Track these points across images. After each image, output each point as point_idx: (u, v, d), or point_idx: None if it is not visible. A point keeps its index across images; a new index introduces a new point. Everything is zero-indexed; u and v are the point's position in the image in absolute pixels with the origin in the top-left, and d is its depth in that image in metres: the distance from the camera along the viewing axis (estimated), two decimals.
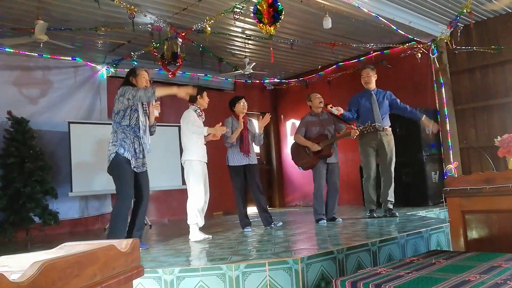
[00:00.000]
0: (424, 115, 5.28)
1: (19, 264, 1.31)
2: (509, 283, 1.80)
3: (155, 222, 7.05)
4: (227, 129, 4.58)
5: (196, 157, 4.38)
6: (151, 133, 4.12)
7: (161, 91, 3.79)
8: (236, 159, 4.90)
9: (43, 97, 6.56)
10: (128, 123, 3.83)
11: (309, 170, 5.30)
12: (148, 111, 4.02)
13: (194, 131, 4.42)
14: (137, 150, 3.83)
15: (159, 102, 4.06)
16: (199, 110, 4.53)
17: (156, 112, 4.06)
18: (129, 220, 3.91)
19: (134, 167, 3.81)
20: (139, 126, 3.85)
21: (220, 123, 4.55)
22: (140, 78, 3.98)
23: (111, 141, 3.83)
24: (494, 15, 6.48)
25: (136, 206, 3.95)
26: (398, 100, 5.35)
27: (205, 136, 4.52)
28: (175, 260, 3.13)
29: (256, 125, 5.14)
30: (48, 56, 6.51)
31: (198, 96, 4.54)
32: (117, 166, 3.77)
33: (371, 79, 5.32)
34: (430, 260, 2.38)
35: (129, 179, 3.78)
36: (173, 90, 3.87)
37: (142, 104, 3.93)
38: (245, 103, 5.07)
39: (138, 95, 3.74)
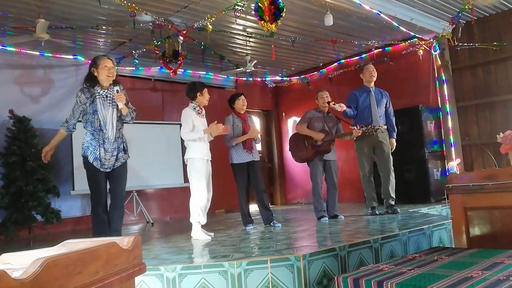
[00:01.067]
0: (395, 139, 5.38)
1: (22, 261, 1.31)
2: None
3: (157, 220, 7.06)
4: (223, 126, 4.47)
5: (198, 155, 4.34)
6: (127, 122, 3.86)
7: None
8: (240, 156, 4.88)
9: (45, 95, 6.56)
10: (93, 127, 3.67)
11: (305, 165, 5.31)
12: (113, 102, 3.74)
13: (188, 138, 4.36)
14: (108, 150, 3.66)
15: (121, 93, 3.67)
16: (198, 108, 4.47)
17: (120, 104, 3.66)
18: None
19: (106, 168, 3.69)
20: (101, 125, 3.66)
21: (216, 121, 4.42)
22: (101, 69, 3.65)
23: (82, 141, 3.75)
24: (496, 12, 6.45)
25: (110, 203, 3.79)
26: (391, 106, 5.43)
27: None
28: (177, 258, 3.13)
29: (256, 122, 5.10)
30: (50, 54, 6.51)
31: (198, 94, 4.46)
32: (86, 168, 3.71)
33: (375, 76, 5.34)
34: (433, 256, 2.38)
35: (96, 180, 3.67)
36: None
37: (106, 98, 3.68)
38: (245, 99, 5.03)
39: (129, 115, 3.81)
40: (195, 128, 4.36)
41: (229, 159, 4.97)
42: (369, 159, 5.28)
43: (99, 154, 3.65)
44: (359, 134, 4.99)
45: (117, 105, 3.70)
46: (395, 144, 5.35)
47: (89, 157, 3.65)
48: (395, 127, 5.40)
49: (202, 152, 4.37)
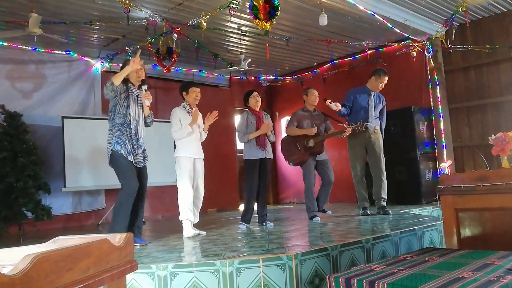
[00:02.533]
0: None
1: (11, 257, 1.29)
2: (502, 280, 1.81)
3: (149, 218, 7.03)
4: (213, 112, 4.44)
5: (182, 153, 4.37)
6: (147, 125, 4.03)
7: (117, 77, 3.62)
8: (253, 152, 4.86)
9: (37, 91, 6.51)
10: (122, 121, 3.75)
11: (298, 167, 5.31)
12: (142, 103, 3.91)
13: (178, 137, 4.38)
14: (135, 146, 3.78)
15: (148, 92, 3.88)
16: (188, 107, 4.47)
17: (147, 102, 3.88)
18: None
19: (136, 163, 3.78)
20: (131, 121, 3.77)
21: (209, 114, 4.46)
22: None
23: (108, 139, 3.78)
24: (489, 15, 6.50)
25: (136, 201, 3.86)
26: (385, 108, 5.44)
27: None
28: (168, 256, 3.12)
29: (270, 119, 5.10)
30: (42, 50, 6.45)
31: (183, 93, 4.50)
32: (115, 161, 3.74)
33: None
34: (424, 257, 2.38)
35: (128, 171, 3.72)
36: (127, 69, 3.66)
37: (137, 97, 3.85)
38: (258, 96, 5.01)
39: (104, 92, 3.68)
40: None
41: (243, 155, 4.99)
42: (362, 160, 5.29)
43: (131, 148, 3.74)
44: (350, 132, 5.01)
45: (143, 107, 3.89)
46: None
47: (120, 150, 3.68)
48: (383, 129, 5.41)
49: (189, 151, 4.38)
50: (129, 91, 3.82)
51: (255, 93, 5.01)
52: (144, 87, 3.88)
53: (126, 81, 3.80)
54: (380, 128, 5.37)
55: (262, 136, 4.88)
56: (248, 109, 5.04)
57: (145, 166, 3.95)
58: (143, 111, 3.91)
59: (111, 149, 3.72)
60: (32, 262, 0.91)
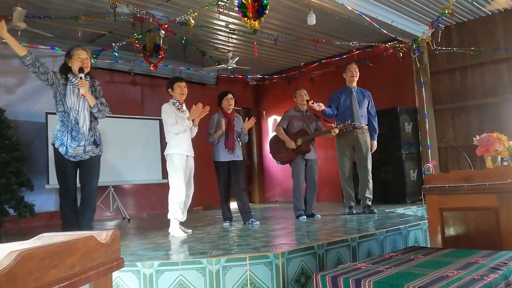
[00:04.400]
0: (376, 142, 5.40)
1: None
2: (486, 279, 1.84)
3: (134, 216, 6.97)
4: (201, 105, 4.37)
5: (175, 150, 4.29)
6: (96, 114, 3.73)
7: (14, 48, 3.49)
8: (220, 154, 4.90)
9: (20, 86, 6.39)
10: (63, 109, 3.60)
11: (287, 166, 5.32)
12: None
13: (174, 132, 4.29)
14: (75, 138, 3.58)
15: (83, 80, 3.58)
16: (177, 103, 4.42)
17: (81, 90, 3.55)
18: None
19: (71, 156, 3.59)
20: (70, 110, 3.59)
21: (194, 106, 4.35)
22: (74, 59, 3.61)
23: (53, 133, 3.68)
24: (475, 17, 6.60)
25: (80, 199, 3.71)
26: (373, 106, 5.48)
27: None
28: (154, 254, 3.09)
29: (242, 122, 5.09)
30: (26, 44, 6.29)
31: (169, 89, 4.46)
32: (55, 159, 3.64)
33: (357, 76, 5.38)
34: (409, 256, 2.41)
35: (64, 172, 3.60)
36: (5, 38, 3.47)
37: (72, 86, 3.61)
38: (232, 99, 5.03)
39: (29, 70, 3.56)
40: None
41: (211, 155, 5.00)
42: (349, 159, 5.33)
43: (66, 140, 3.57)
44: (337, 132, 5.03)
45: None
46: (375, 145, 5.39)
47: (55, 144, 3.58)
48: (377, 128, 5.45)
49: (182, 148, 4.32)
50: (68, 80, 3.62)
51: (229, 96, 5.03)
52: (80, 75, 3.58)
53: (67, 70, 3.64)
54: (374, 129, 5.40)
55: (231, 139, 4.89)
56: (220, 110, 5.04)
57: (87, 160, 3.68)
58: (85, 100, 3.65)
59: (51, 144, 3.65)
60: (16, 259, 0.89)
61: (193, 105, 4.38)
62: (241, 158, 5.02)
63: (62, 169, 3.62)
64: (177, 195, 4.23)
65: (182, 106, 4.46)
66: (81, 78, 3.58)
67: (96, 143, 3.74)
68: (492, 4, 5.93)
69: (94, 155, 3.73)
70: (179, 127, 4.28)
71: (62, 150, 3.57)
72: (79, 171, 3.71)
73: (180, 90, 4.41)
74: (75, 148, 3.59)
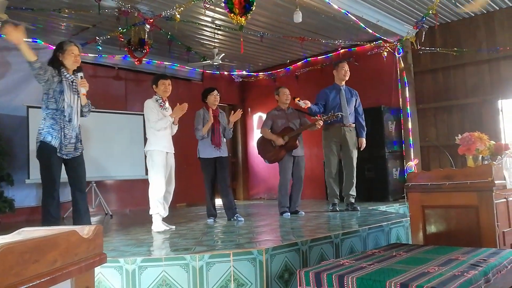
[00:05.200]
0: (364, 139, 5.43)
1: None
2: (466, 275, 1.87)
3: (116, 212, 6.90)
4: (185, 105, 4.37)
5: (155, 147, 4.30)
6: (83, 115, 3.81)
7: (25, 55, 3.38)
8: (207, 151, 4.88)
9: (1, 79, 6.25)
10: (55, 107, 3.57)
11: (275, 164, 5.33)
12: (77, 90, 3.70)
13: (157, 128, 4.28)
14: (67, 135, 3.59)
15: (85, 79, 3.70)
16: (160, 100, 4.41)
17: (83, 90, 3.68)
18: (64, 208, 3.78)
19: (64, 154, 3.60)
20: (65, 107, 3.58)
21: (178, 104, 4.38)
22: (67, 54, 3.61)
23: (38, 129, 3.61)
24: (458, 18, 6.70)
25: (72, 194, 3.73)
26: (361, 105, 5.53)
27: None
28: (137, 250, 3.07)
29: (226, 119, 5.08)
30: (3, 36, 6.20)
31: (153, 86, 4.45)
32: (42, 155, 3.58)
33: (348, 75, 5.40)
34: (391, 252, 2.44)
35: (53, 169, 3.56)
36: (19, 46, 3.34)
37: (72, 83, 3.64)
38: (218, 95, 5.02)
39: (35, 78, 3.51)
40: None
41: (197, 152, 4.97)
42: (336, 157, 5.35)
43: (63, 137, 3.56)
44: (322, 124, 5.06)
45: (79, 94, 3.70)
46: (364, 142, 5.42)
47: (52, 141, 3.53)
48: (364, 126, 5.48)
49: (161, 145, 4.33)
50: (62, 76, 3.61)
51: (215, 92, 5.02)
52: (80, 74, 3.67)
53: (59, 65, 3.62)
54: (362, 127, 5.43)
55: (217, 135, 4.89)
56: (204, 106, 5.03)
57: (77, 156, 3.72)
58: (79, 98, 3.70)
59: (40, 140, 3.55)
60: None
61: (178, 104, 4.39)
62: (226, 154, 5.02)
63: (50, 166, 3.56)
64: (156, 191, 4.25)
65: (165, 103, 4.44)
66: (81, 77, 3.67)
67: (81, 140, 3.78)
68: (471, 4, 6.01)
69: (81, 151, 3.77)
70: (162, 124, 4.29)
71: (58, 147, 3.55)
72: (70, 169, 3.71)
73: (164, 87, 4.41)
74: (67, 145, 3.60)
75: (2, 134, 5.73)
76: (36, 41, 6.47)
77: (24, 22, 5.33)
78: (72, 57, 3.63)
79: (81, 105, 3.75)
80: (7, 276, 0.91)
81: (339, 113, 5.14)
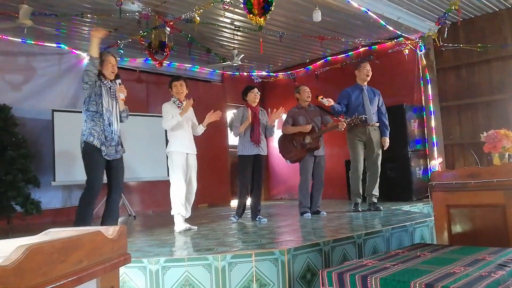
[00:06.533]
0: (388, 138, 5.35)
1: (2, 249, 1.27)
2: (493, 275, 1.82)
3: (140, 213, 7.00)
4: (191, 101, 4.43)
5: (175, 148, 4.37)
6: (121, 120, 4.04)
7: (92, 50, 3.75)
8: (246, 148, 4.85)
9: (27, 83, 6.42)
10: (95, 109, 3.78)
11: (295, 164, 5.31)
12: (114, 95, 3.94)
13: (169, 126, 4.38)
14: (108, 137, 3.79)
15: (123, 86, 3.96)
16: (178, 101, 4.48)
17: (121, 95, 3.93)
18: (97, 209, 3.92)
19: (106, 154, 3.77)
20: (103, 111, 3.80)
21: (185, 99, 4.47)
22: (106, 64, 3.88)
23: (82, 131, 3.81)
24: (482, 13, 6.55)
25: (109, 194, 3.90)
26: (384, 104, 5.47)
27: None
28: (160, 250, 3.10)
29: (267, 116, 5.05)
30: (32, 42, 6.36)
31: (169, 88, 4.53)
32: (86, 154, 3.76)
33: (370, 76, 5.35)
34: (415, 252, 2.40)
35: (97, 168, 3.74)
36: (94, 40, 3.75)
37: (110, 89, 3.88)
38: (258, 92, 5.01)
39: (85, 70, 3.79)
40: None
41: (236, 150, 5.03)
42: (361, 155, 5.30)
43: (104, 139, 3.75)
44: (345, 126, 5.02)
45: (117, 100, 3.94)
46: (388, 142, 5.35)
47: (94, 141, 3.70)
48: (388, 125, 5.42)
49: (181, 146, 4.38)
50: (101, 82, 3.85)
51: (255, 89, 5.01)
52: (118, 81, 3.95)
53: (98, 74, 3.84)
54: (385, 126, 5.37)
55: (257, 132, 4.86)
56: (245, 104, 5.02)
57: (118, 159, 3.93)
58: (117, 104, 3.95)
59: (84, 141, 3.75)
60: (25, 253, 0.90)
61: (186, 99, 4.47)
62: (265, 153, 5.00)
63: (95, 164, 3.75)
64: (177, 191, 4.30)
65: (183, 104, 4.49)
66: (120, 84, 3.92)
67: (121, 144, 3.99)
68: None
69: (121, 154, 3.98)
70: (172, 122, 4.35)
71: (103, 149, 3.74)
72: (110, 170, 3.89)
73: (176, 89, 4.49)
74: (108, 147, 3.79)
75: (29, 138, 5.87)
76: (60, 46, 6.62)
77: (48, 27, 5.48)
78: (110, 66, 3.88)
79: (119, 111, 3.97)
80: (35, 276, 0.93)
81: (363, 115, 5.10)
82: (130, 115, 6.85)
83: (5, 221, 5.52)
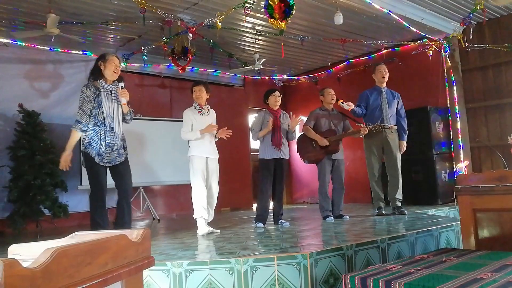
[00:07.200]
0: (405, 142, 5.29)
1: (30, 252, 1.31)
2: None
3: (163, 217, 7.08)
4: (214, 127, 4.48)
5: (194, 152, 4.43)
6: (126, 122, 3.97)
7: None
8: (267, 152, 4.83)
9: (54, 90, 6.60)
10: (94, 123, 3.73)
11: (313, 166, 5.29)
12: (119, 100, 3.85)
13: (185, 139, 4.50)
14: (109, 144, 3.73)
15: (125, 89, 3.85)
16: (198, 107, 4.52)
17: (123, 100, 3.83)
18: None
19: (106, 162, 3.75)
20: (104, 119, 3.73)
21: (211, 122, 4.51)
22: (109, 64, 3.77)
23: (82, 138, 3.81)
24: (508, 13, 6.39)
25: (118, 200, 3.87)
26: (403, 107, 5.41)
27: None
28: (183, 253, 3.14)
29: (289, 118, 5.03)
30: (59, 50, 6.54)
31: (191, 94, 4.58)
32: (87, 163, 3.77)
33: (386, 76, 5.31)
34: (441, 257, 2.36)
35: (96, 176, 3.73)
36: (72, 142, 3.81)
37: (110, 93, 3.79)
38: (279, 96, 4.98)
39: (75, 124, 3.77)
40: (193, 128, 4.47)
41: (258, 154, 5.01)
42: (378, 159, 5.25)
43: (100, 148, 3.72)
44: (366, 132, 4.98)
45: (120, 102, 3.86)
46: (405, 146, 5.29)
47: (91, 153, 3.71)
48: (406, 129, 5.35)
49: (201, 150, 4.44)
50: (100, 87, 3.75)
51: (277, 93, 4.98)
52: (121, 84, 3.84)
53: (100, 75, 3.78)
54: (403, 129, 5.31)
55: (278, 136, 4.85)
56: (266, 107, 5.02)
57: (123, 163, 3.87)
58: (119, 106, 3.84)
59: (83, 151, 3.79)
60: (52, 256, 0.92)
61: (211, 123, 4.53)
62: (287, 157, 4.95)
63: (94, 173, 3.76)
64: (197, 195, 4.35)
65: (203, 109, 4.54)
66: (122, 87, 3.83)
67: (124, 147, 3.93)
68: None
69: (125, 156, 3.92)
70: (189, 136, 4.46)
71: (98, 159, 3.72)
72: (115, 174, 3.87)
73: (196, 94, 4.54)
74: (109, 153, 3.76)
75: (56, 143, 6.03)
76: (86, 53, 6.78)
77: (74, 35, 5.62)
78: (113, 66, 3.77)
79: (123, 113, 3.90)
80: (62, 278, 0.96)
81: (385, 124, 5.09)
82: (153, 119, 7.08)
83: (34, 224, 5.68)
